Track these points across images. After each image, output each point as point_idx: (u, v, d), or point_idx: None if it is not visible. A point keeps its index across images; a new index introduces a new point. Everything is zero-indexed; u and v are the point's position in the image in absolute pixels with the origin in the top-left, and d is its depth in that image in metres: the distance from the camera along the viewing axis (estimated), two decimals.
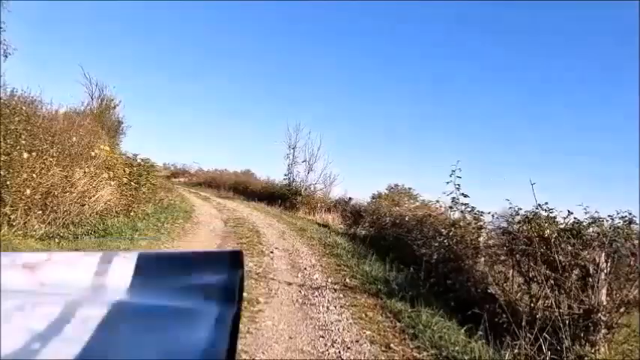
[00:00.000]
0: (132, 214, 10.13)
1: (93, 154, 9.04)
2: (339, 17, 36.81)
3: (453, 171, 6.57)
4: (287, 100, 41.52)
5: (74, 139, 10.83)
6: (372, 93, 39.12)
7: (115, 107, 23.81)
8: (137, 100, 44.29)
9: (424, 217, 8.59)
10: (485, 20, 35.12)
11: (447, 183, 6.62)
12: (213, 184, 32.44)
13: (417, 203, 26.12)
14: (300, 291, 5.79)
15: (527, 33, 34.27)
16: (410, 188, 31.03)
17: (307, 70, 40.27)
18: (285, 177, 24.11)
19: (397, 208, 11.24)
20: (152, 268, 0.62)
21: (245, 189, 27.88)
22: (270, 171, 36.57)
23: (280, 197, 22.90)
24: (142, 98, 43.77)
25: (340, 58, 39.83)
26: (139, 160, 13.44)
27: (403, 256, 8.87)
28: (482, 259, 6.44)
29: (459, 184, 6.67)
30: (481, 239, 6.52)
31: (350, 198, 20.17)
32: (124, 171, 12.98)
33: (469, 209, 7.07)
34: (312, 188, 23.17)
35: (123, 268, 0.61)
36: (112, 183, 12.34)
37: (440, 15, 35.60)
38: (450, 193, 6.86)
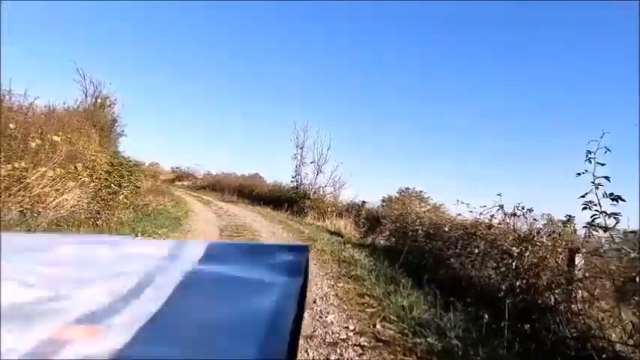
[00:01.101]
0: (100, 222, 8.01)
1: (33, 145, 6.89)
2: (347, 16, 34.70)
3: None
4: (295, 101, 39.44)
5: (56, 137, 9.00)
6: (370, 94, 36.89)
7: (110, 105, 21.85)
8: (143, 102, 42.47)
9: (472, 227, 6.36)
10: (488, 20, 32.90)
11: (581, 174, 3.92)
12: (217, 187, 30.41)
13: (428, 206, 23.93)
14: (306, 349, 3.60)
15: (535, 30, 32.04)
16: (421, 191, 29.03)
17: (315, 71, 38.13)
18: (292, 179, 21.97)
19: (428, 213, 8.99)
20: (224, 250, 0.70)
21: (250, 192, 25.76)
22: (279, 174, 34.38)
23: (287, 201, 20.74)
24: (148, 101, 42.05)
25: (342, 60, 37.65)
26: (120, 159, 11.37)
27: (443, 279, 6.65)
28: (580, 293, 4.22)
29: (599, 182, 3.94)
30: (578, 263, 4.29)
31: (363, 202, 17.94)
32: (102, 172, 10.94)
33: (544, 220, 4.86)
34: (321, 191, 20.98)
35: (197, 248, 0.67)
36: (90, 185, 10.31)
37: (459, 15, 33.39)
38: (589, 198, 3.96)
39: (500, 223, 5.77)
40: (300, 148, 21.78)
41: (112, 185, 11.00)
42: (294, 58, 39.38)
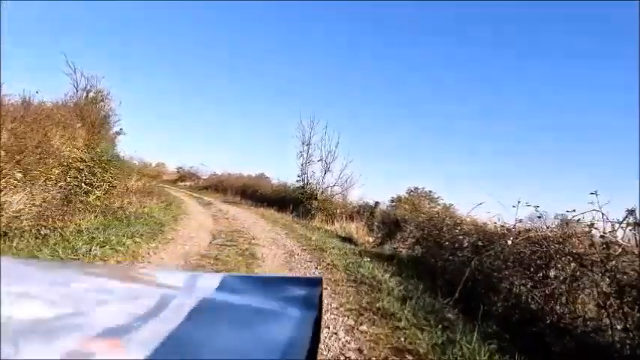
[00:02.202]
0: (46, 232, 6.06)
1: None
2: (351, 14, 32.70)
3: None
4: (301, 99, 37.43)
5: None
6: (370, 93, 34.81)
7: (102, 100, 20.01)
8: (150, 103, 40.77)
9: (555, 241, 4.31)
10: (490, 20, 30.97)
11: None
12: (220, 188, 28.50)
13: (439, 207, 21.85)
14: None
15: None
16: (430, 191, 27.18)
17: (319, 69, 36.12)
18: (298, 178, 19.93)
19: (467, 219, 6.95)
20: (238, 283, 0.68)
21: (254, 193, 23.80)
22: (286, 174, 32.35)
23: (293, 202, 18.75)
24: (155, 102, 40.38)
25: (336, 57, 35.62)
26: (92, 154, 9.45)
27: (505, 313, 4.65)
28: None
29: None
30: None
31: (377, 202, 15.91)
32: (74, 170, 9.02)
33: None
34: (329, 191, 18.95)
35: (212, 280, 0.68)
36: (58, 184, 8.42)
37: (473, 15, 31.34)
38: None
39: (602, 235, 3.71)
40: (307, 145, 19.76)
41: (83, 184, 9.11)
42: (299, 54, 37.38)
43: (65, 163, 9.24)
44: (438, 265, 6.65)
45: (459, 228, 6.34)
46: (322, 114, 34.02)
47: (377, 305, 4.69)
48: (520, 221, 5.21)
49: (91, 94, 19.78)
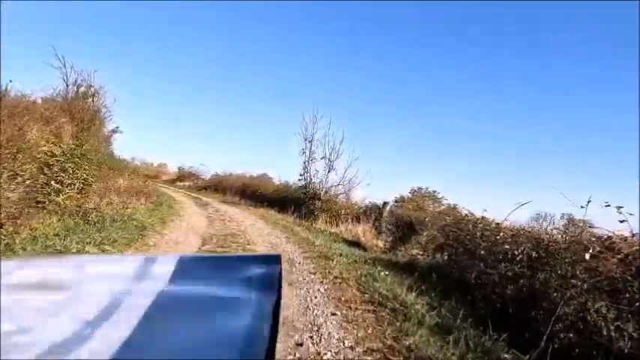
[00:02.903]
0: None
1: None
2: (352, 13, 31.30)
3: None
4: (302, 100, 36.08)
5: None
6: (368, 93, 33.39)
7: (93, 95, 18.74)
8: (152, 104, 39.55)
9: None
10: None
11: None
12: (219, 187, 27.22)
13: (442, 207, 20.53)
14: None
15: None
16: (434, 191, 25.95)
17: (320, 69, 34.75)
18: (300, 177, 18.57)
19: (504, 223, 5.62)
20: (194, 265, 0.64)
21: (254, 193, 22.51)
22: (290, 174, 30.97)
23: (294, 202, 17.43)
24: (157, 102, 39.17)
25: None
26: (63, 148, 8.17)
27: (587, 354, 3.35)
28: None
29: None
30: None
31: (385, 203, 14.58)
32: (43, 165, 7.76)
33: None
34: (333, 191, 17.61)
35: (166, 265, 0.62)
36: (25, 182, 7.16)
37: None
38: None
39: None
40: (309, 142, 18.38)
41: (53, 182, 7.85)
42: (300, 53, 36.01)
43: (40, 159, 8.01)
44: (470, 278, 5.34)
45: (500, 234, 5.02)
46: (323, 113, 32.54)
47: (407, 343, 3.38)
48: (590, 227, 3.88)
49: (81, 89, 18.51)
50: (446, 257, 6.53)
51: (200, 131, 42.85)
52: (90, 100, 18.60)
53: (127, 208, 9.51)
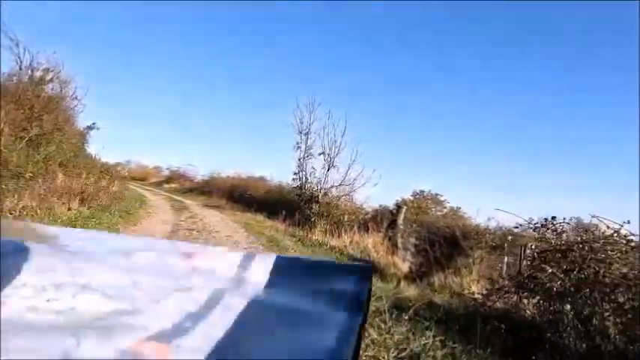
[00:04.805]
0: None
1: None
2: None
3: None
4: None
5: None
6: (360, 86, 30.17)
7: (50, 81, 15.59)
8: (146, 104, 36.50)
9: None
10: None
11: None
12: (206, 189, 24.13)
13: (445, 210, 17.43)
14: None
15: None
16: (437, 194, 22.82)
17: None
18: (294, 176, 15.36)
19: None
20: (288, 271, 0.66)
21: (243, 195, 19.38)
22: (286, 175, 27.71)
23: (287, 206, 14.26)
24: (152, 102, 36.16)
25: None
26: None
27: None
28: None
29: None
30: None
31: (399, 206, 11.40)
32: None
33: None
34: (333, 192, 14.42)
35: (263, 266, 0.66)
36: None
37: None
38: None
39: None
40: (305, 135, 15.19)
41: None
42: (297, 51, 32.78)
43: None
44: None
45: None
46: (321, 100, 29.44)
47: None
48: None
49: (37, 73, 15.35)
50: (568, 309, 3.33)
51: (196, 131, 39.65)
52: (45, 86, 15.46)
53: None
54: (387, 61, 29.77)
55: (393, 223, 10.43)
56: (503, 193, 19.87)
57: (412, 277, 6.31)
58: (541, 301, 3.85)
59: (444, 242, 6.08)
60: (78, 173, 11.53)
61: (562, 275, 3.30)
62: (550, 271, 3.40)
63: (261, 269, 0.64)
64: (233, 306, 0.56)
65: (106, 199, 10.52)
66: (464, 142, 28.98)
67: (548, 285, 3.43)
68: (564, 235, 3.84)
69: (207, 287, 0.59)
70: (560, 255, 3.47)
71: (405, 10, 27.50)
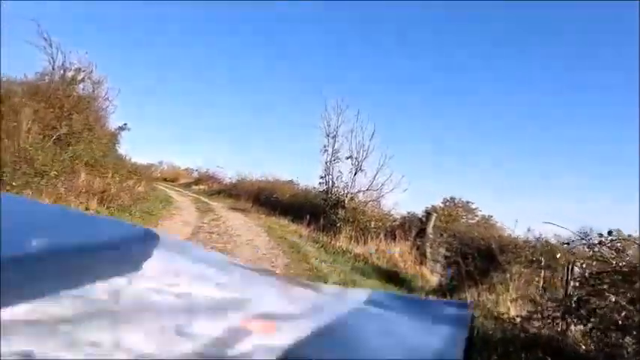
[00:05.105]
0: None
1: None
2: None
3: None
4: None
5: None
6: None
7: (81, 81, 15.78)
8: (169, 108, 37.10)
9: None
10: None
11: None
12: (234, 191, 24.08)
13: (477, 218, 16.56)
14: None
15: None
16: (468, 201, 21.87)
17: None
18: (320, 180, 14.95)
19: None
20: (384, 302, 0.65)
21: (268, 198, 19.14)
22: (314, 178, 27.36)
23: (312, 210, 13.87)
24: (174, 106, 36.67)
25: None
26: None
27: None
28: None
29: None
30: None
31: (429, 213, 10.80)
32: None
33: None
34: (360, 197, 13.93)
35: (358, 295, 0.67)
36: None
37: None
38: None
39: None
40: (332, 138, 14.79)
41: None
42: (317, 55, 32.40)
43: None
44: None
45: None
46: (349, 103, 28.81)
47: None
48: None
49: (69, 73, 15.56)
50: (629, 342, 2.76)
51: (226, 133, 39.91)
52: (77, 86, 15.70)
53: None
54: (387, 61, 29.12)
55: (422, 232, 9.85)
56: (501, 193, 19.30)
57: (442, 291, 5.77)
58: (594, 330, 3.27)
59: (477, 255, 5.51)
60: (104, 173, 11.56)
61: (627, 304, 2.74)
62: (614, 299, 2.83)
63: (358, 295, 0.67)
64: (337, 312, 0.57)
65: (129, 199, 10.42)
66: (464, 142, 28.22)
67: (609, 315, 2.86)
68: (626, 254, 3.25)
69: (310, 298, 0.62)
70: (621, 277, 2.90)
71: (405, 10, 26.89)
